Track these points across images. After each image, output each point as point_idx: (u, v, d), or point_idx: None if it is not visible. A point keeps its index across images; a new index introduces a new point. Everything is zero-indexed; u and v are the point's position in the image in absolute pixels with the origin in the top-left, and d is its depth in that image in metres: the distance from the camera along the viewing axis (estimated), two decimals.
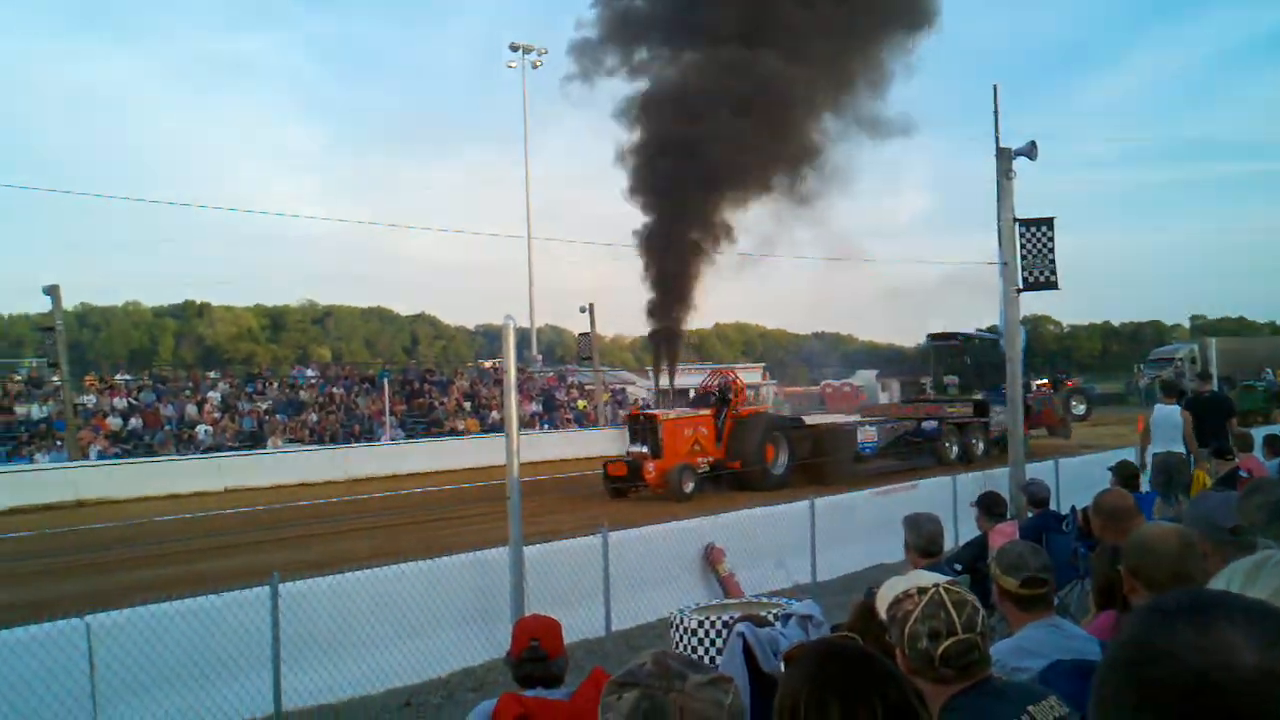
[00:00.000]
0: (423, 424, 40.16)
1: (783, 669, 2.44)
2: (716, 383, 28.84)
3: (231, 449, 34.05)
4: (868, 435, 30.07)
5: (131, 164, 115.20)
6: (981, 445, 31.56)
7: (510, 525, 9.66)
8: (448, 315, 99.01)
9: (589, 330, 43.62)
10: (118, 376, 39.63)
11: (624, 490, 25.23)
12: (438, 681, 10.14)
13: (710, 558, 13.36)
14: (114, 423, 34.35)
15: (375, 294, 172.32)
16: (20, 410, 33.25)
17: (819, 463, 27.19)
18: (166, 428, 35.09)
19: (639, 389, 55.59)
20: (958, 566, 6.85)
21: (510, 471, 9.60)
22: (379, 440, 37.16)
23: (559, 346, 77.56)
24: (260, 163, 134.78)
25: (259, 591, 9.23)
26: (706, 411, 27.26)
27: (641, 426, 26.37)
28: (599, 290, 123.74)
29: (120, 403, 35.55)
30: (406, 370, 48.96)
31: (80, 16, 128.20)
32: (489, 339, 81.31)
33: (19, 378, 36.75)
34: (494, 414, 41.29)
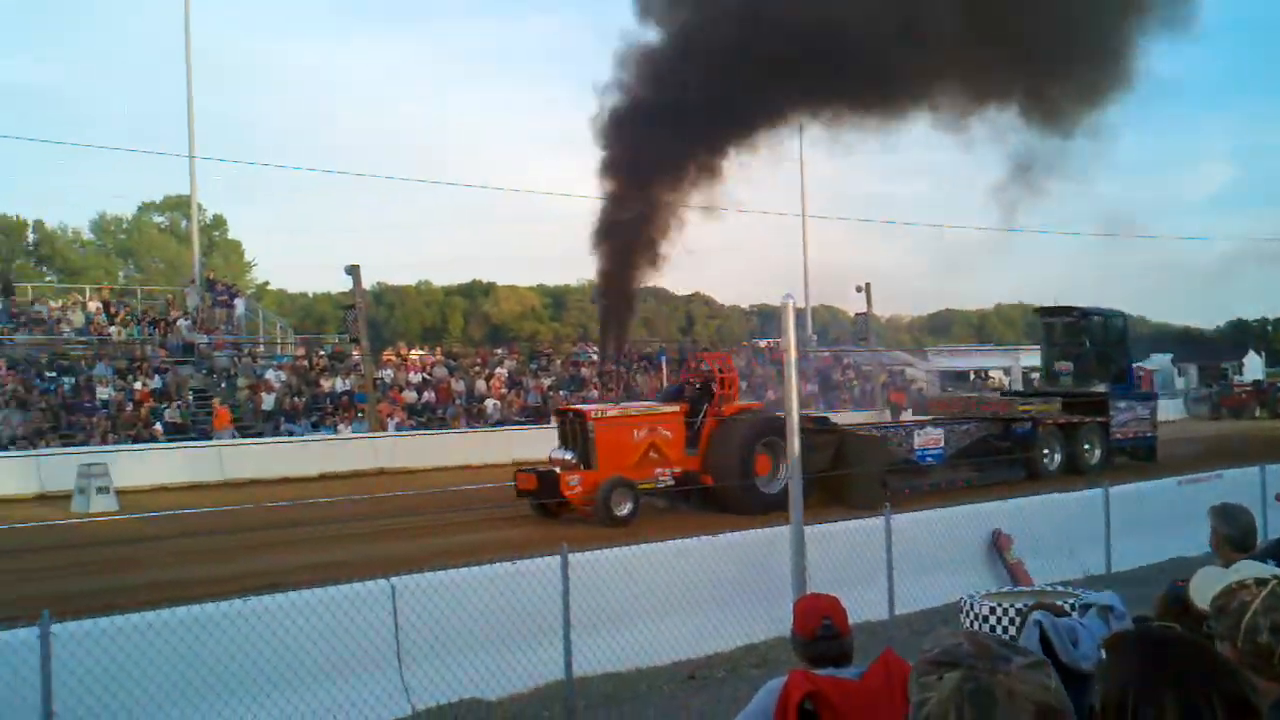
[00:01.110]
0: None
1: (1102, 657, 2.36)
2: (702, 371, 22.43)
3: (517, 422, 35.43)
4: (929, 440, 23.34)
5: (420, 148, 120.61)
6: (1098, 453, 25.79)
7: (791, 506, 9.68)
8: (722, 294, 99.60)
9: (865, 310, 43.15)
10: (413, 353, 41.75)
11: (550, 508, 19.73)
12: (721, 656, 10.27)
13: (998, 544, 13.03)
14: (409, 396, 36.26)
15: (652, 274, 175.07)
16: (325, 383, 35.49)
17: (843, 477, 20.84)
18: (457, 402, 36.81)
19: (918, 371, 54.59)
20: (1270, 563, 6.43)
21: (790, 451, 9.63)
22: None
23: (833, 327, 76.85)
24: (545, 144, 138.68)
25: (550, 561, 9.55)
26: (672, 409, 21.08)
27: (569, 427, 20.46)
28: (875, 269, 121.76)
29: (415, 377, 37.47)
30: (682, 348, 49.60)
31: (365, 5, 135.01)
32: (762, 318, 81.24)
33: (324, 353, 39.23)
34: (769, 394, 41.39)
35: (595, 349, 42.69)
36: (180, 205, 66.18)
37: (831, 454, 21.41)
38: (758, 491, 20.19)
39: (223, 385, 33.83)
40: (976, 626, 6.79)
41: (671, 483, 20.39)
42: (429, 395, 36.79)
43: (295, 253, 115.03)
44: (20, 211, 69.71)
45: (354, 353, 35.76)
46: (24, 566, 15.70)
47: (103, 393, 30.58)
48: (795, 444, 9.62)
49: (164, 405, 31.05)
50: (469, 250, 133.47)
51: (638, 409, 21.38)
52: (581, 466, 19.62)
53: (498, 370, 39.87)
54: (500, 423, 35.40)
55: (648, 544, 10.98)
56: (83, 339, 34.13)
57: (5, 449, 26.94)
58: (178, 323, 36.58)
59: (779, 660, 9.37)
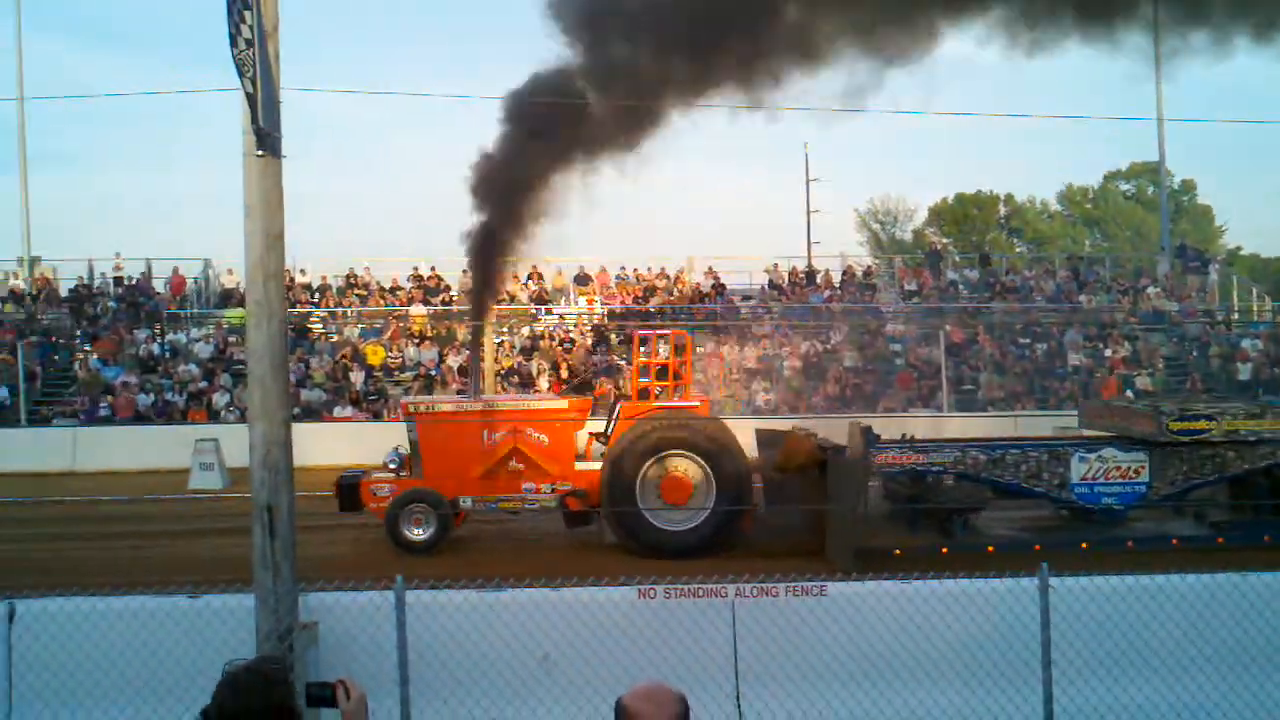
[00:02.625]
0: None
1: None
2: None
3: None
4: (1115, 468, 14.53)
5: None
6: None
7: None
8: None
9: None
10: None
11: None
12: None
13: None
14: None
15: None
16: None
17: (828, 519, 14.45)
18: None
19: None
20: None
21: None
22: None
23: None
24: None
25: None
26: (555, 405, 16.64)
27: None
28: None
29: None
30: None
31: None
32: None
33: None
34: None
35: None
36: (1147, 172, 65.45)
37: (801, 480, 15.12)
38: (645, 524, 15.11)
39: (1193, 354, 32.93)
40: None
41: (551, 502, 15.80)
42: None
43: (1272, 216, 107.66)
44: (992, 187, 73.61)
45: None
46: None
47: (1074, 358, 31.39)
48: None
49: (1135, 373, 30.96)
50: None
51: (495, 403, 16.76)
52: (409, 473, 16.09)
53: None
54: None
55: None
56: (1053, 306, 35.20)
57: (984, 410, 28.82)
58: (1147, 290, 36.22)
59: None
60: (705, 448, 15.24)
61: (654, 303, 33.77)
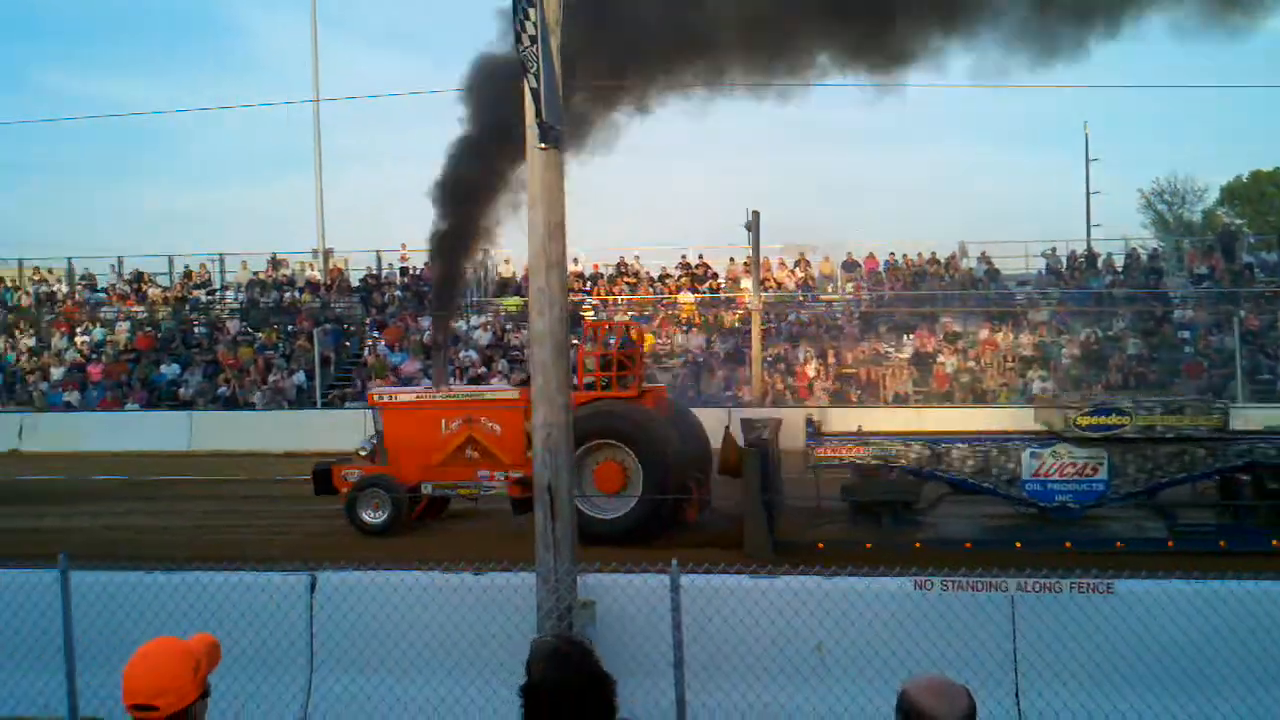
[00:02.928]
0: None
1: None
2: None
3: None
4: (1070, 465, 13.68)
5: None
6: None
7: None
8: None
9: None
10: None
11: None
12: None
13: None
14: None
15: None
16: None
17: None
18: None
19: None
20: None
21: None
22: None
23: None
24: None
25: None
26: (508, 395, 17.14)
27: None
28: None
29: None
30: None
31: None
32: None
33: None
34: None
35: None
36: None
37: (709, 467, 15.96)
38: (581, 515, 13.52)
39: None
40: None
41: (502, 491, 16.13)
42: None
43: None
44: None
45: None
46: None
47: None
48: None
49: None
50: None
51: (453, 394, 17.42)
52: (378, 460, 16.85)
53: None
54: None
55: None
56: None
57: None
58: None
59: None
60: (631, 436, 15.32)
61: (925, 288, 33.10)
